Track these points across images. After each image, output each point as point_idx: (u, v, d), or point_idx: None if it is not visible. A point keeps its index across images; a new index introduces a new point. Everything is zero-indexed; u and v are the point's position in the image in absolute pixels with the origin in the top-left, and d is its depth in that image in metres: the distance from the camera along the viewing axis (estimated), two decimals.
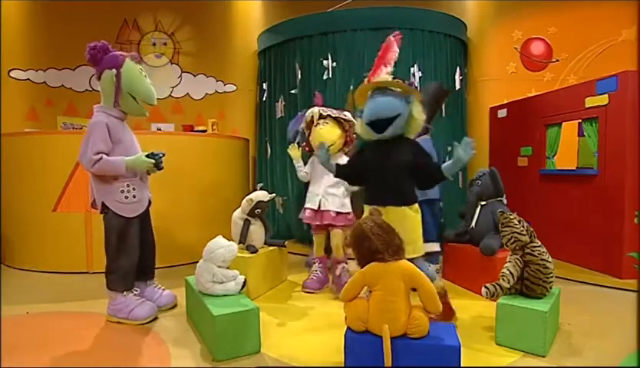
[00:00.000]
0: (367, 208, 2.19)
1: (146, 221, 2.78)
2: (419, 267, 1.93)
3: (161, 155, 2.62)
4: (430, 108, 3.11)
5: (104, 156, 2.47)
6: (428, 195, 3.16)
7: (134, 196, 2.60)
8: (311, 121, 3.24)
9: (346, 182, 2.80)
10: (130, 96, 2.56)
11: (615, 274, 3.34)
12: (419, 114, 2.21)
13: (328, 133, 3.12)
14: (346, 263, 3.14)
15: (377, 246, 1.81)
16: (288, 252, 3.57)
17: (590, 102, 3.56)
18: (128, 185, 2.58)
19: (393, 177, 2.20)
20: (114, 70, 2.50)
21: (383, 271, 1.80)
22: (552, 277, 2.24)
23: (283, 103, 4.84)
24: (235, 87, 5.70)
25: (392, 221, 1.96)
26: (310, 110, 3.26)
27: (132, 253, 2.62)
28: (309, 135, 3.29)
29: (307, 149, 3.37)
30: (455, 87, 4.67)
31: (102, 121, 2.51)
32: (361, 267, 1.88)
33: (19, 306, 2.88)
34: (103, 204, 2.55)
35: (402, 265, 1.81)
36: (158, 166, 2.62)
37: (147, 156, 2.58)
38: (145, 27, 5.64)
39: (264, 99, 5.21)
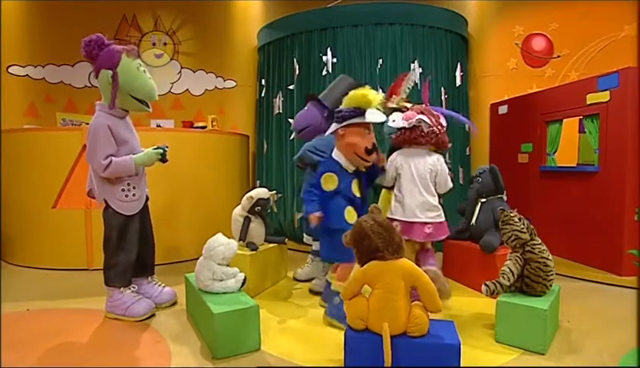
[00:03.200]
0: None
1: (146, 217, 2.78)
2: None
3: (166, 147, 2.64)
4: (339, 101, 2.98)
5: (113, 159, 2.47)
6: None
7: (134, 194, 2.61)
8: None
9: None
10: (129, 95, 2.52)
11: (614, 271, 3.33)
12: None
13: None
14: None
15: (377, 244, 1.81)
16: (288, 249, 3.57)
17: (591, 98, 3.54)
18: (129, 184, 2.59)
19: None
20: (110, 71, 2.45)
21: (383, 269, 1.80)
22: (552, 275, 2.23)
23: (281, 99, 4.83)
24: (235, 83, 5.68)
25: None
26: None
27: (131, 249, 2.62)
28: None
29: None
30: (456, 84, 4.65)
31: (103, 123, 2.48)
32: (361, 266, 1.87)
33: (19, 302, 2.89)
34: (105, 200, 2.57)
35: (402, 264, 1.81)
36: (164, 160, 2.62)
37: (154, 149, 2.60)
38: (145, 27, 5.60)
39: (262, 95, 5.20)
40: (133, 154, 2.57)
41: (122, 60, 2.47)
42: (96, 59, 2.48)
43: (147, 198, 2.78)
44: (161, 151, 2.59)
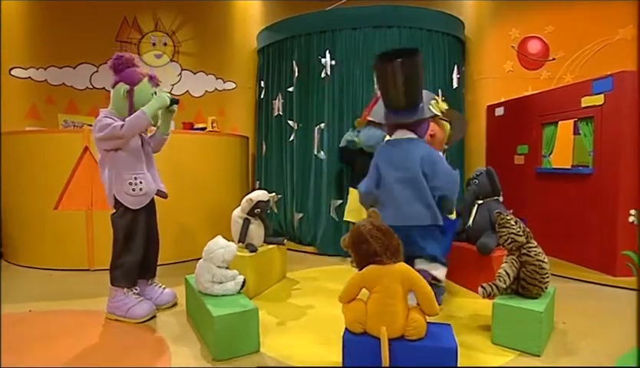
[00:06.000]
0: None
1: (152, 215, 2.82)
2: None
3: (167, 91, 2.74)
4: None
5: (126, 119, 2.54)
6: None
7: (141, 189, 2.64)
8: None
9: None
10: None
11: (609, 272, 3.38)
12: None
13: None
14: None
15: (375, 248, 1.84)
16: (288, 249, 3.59)
17: (586, 101, 3.58)
18: (136, 178, 2.62)
19: None
20: (127, 86, 2.57)
21: (381, 273, 1.83)
22: (547, 277, 2.26)
23: (281, 100, 4.86)
24: (234, 85, 5.71)
25: None
26: None
27: (137, 250, 2.67)
28: None
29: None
30: (453, 86, 4.69)
31: (108, 117, 2.57)
32: (360, 270, 1.90)
33: (20, 303, 2.91)
34: (114, 197, 2.61)
35: (400, 268, 1.84)
36: (174, 100, 2.72)
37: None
38: (145, 27, 5.62)
39: (262, 96, 5.23)
40: (136, 148, 2.64)
41: (142, 82, 2.61)
42: (119, 73, 2.62)
43: (164, 193, 2.82)
44: (167, 92, 2.68)
